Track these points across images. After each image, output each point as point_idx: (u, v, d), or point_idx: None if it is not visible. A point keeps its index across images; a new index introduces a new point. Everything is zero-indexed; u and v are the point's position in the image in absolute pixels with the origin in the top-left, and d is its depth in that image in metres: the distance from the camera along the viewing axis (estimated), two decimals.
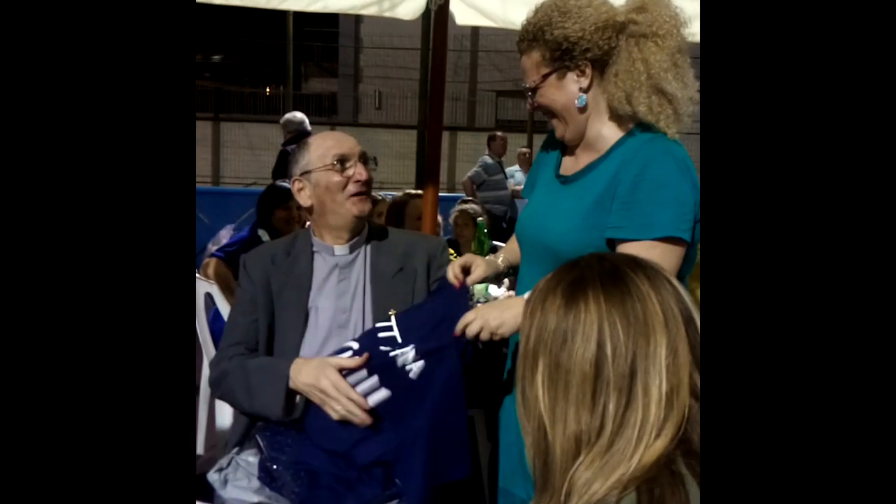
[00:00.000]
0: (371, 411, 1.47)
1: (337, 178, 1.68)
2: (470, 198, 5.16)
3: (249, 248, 3.07)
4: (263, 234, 3.19)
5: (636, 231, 1.36)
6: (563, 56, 1.42)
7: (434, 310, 1.54)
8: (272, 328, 1.69)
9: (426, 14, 3.02)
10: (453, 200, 4.78)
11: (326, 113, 16.17)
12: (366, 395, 1.48)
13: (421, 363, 1.46)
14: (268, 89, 19.41)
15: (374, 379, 1.49)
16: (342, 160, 1.68)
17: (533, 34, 1.45)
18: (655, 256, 1.33)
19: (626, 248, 1.37)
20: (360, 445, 1.46)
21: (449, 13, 2.65)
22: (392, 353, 1.50)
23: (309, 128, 5.50)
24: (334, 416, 1.49)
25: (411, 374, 1.46)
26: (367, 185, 1.70)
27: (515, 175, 7.64)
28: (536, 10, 1.47)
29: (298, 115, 5.67)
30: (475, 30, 11.34)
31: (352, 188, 1.68)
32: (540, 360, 0.87)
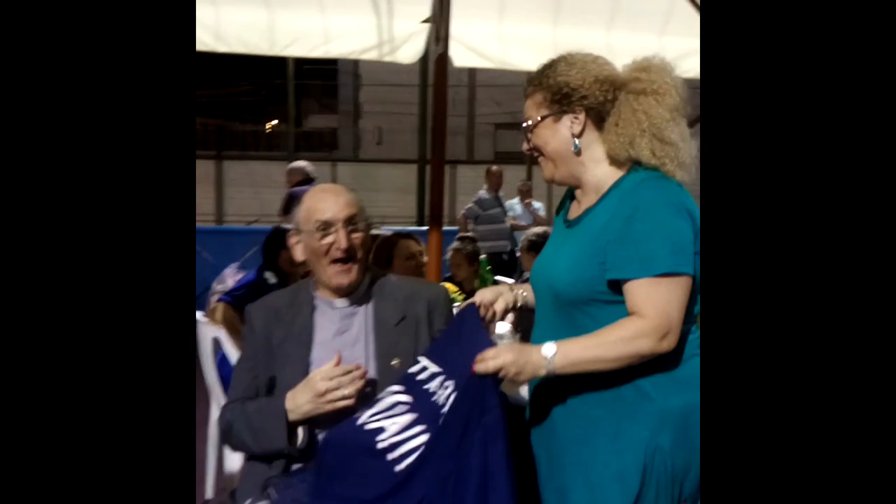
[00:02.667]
0: (409, 455, 1.48)
1: (318, 244, 1.65)
2: (467, 234, 5.16)
3: (256, 291, 3.11)
4: (270, 277, 3.22)
5: (637, 269, 1.40)
6: (561, 100, 1.52)
7: (458, 336, 1.54)
8: (273, 381, 1.70)
9: (425, 53, 3.10)
10: (453, 234, 4.79)
11: (327, 149, 16.29)
12: (409, 439, 1.48)
13: (453, 395, 1.47)
14: (268, 126, 19.56)
15: (419, 427, 1.49)
16: (325, 226, 1.65)
17: (538, 79, 1.56)
18: (662, 292, 1.39)
19: (632, 287, 1.41)
20: (400, 491, 1.44)
21: (448, 57, 2.71)
22: (434, 391, 1.50)
23: (312, 175, 5.78)
24: (346, 403, 1.55)
25: (445, 408, 1.47)
26: (350, 251, 1.65)
27: (515, 208, 7.65)
28: (549, 61, 1.58)
29: (304, 163, 6.00)
30: None
31: (333, 255, 1.65)
32: None
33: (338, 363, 1.58)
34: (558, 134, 1.53)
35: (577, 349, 1.41)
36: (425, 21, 2.97)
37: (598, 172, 1.54)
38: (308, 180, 5.68)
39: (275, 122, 19.20)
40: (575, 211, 1.60)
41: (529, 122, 1.56)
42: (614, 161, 1.52)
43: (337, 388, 1.55)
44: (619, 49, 3.15)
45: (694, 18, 3.10)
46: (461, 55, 3.00)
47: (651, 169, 1.49)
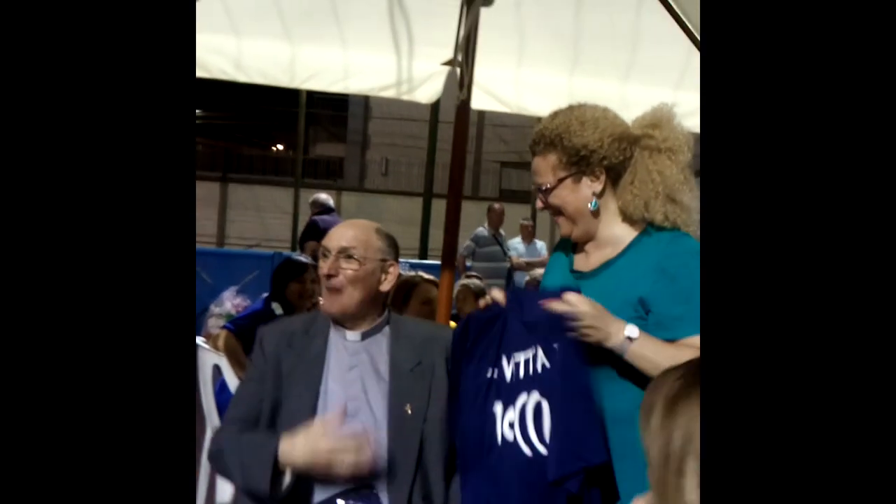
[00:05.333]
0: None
1: (319, 270, 1.72)
2: (473, 273, 5.22)
3: (261, 321, 3.09)
4: (277, 308, 3.21)
5: (690, 328, 1.40)
6: (579, 162, 1.50)
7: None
8: (277, 408, 1.68)
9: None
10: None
11: (333, 177, 16.36)
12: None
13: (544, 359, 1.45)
14: (274, 149, 19.66)
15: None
16: (323, 253, 1.70)
17: (551, 139, 1.52)
18: None
19: (685, 343, 1.40)
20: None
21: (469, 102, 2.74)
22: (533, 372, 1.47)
23: (332, 204, 6.49)
24: (347, 472, 1.50)
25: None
26: (332, 278, 1.66)
27: (518, 247, 7.65)
28: (554, 116, 1.56)
29: (323, 195, 6.69)
30: None
31: (324, 281, 1.69)
32: (689, 464, 0.85)
33: (343, 413, 1.55)
34: (578, 194, 1.52)
35: (655, 346, 1.40)
36: (445, 63, 3.01)
37: (616, 228, 1.54)
38: (327, 210, 6.17)
39: (280, 147, 19.31)
40: (583, 263, 1.59)
41: (548, 185, 1.53)
42: (628, 219, 1.53)
43: (341, 453, 1.49)
44: (634, 101, 3.19)
45: None
46: (478, 98, 3.03)
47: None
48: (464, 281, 4.31)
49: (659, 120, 1.54)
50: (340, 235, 1.72)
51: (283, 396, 1.67)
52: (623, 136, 1.51)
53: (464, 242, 7.69)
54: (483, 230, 7.35)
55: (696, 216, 1.51)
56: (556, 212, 1.56)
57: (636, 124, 1.55)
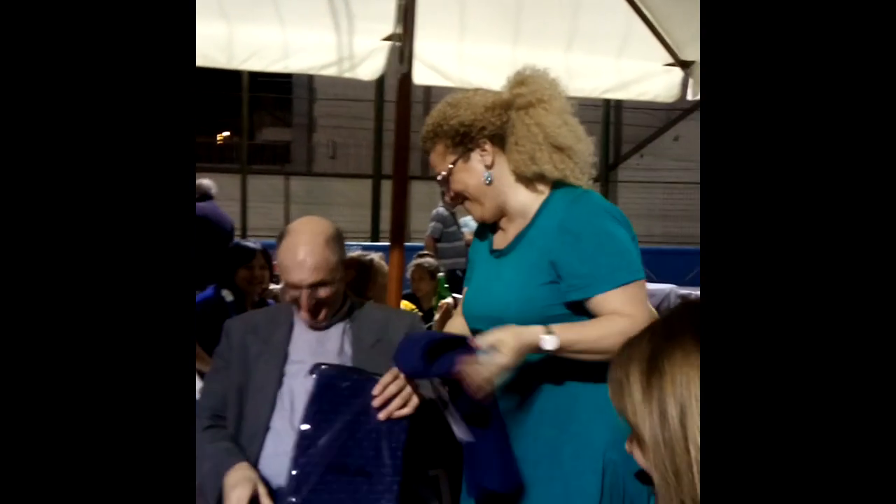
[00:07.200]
0: None
1: (290, 297, 1.69)
2: (427, 252, 5.22)
3: (212, 308, 3.07)
4: (227, 294, 3.16)
5: (600, 285, 1.44)
6: (463, 140, 1.54)
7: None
8: (245, 395, 1.71)
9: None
10: (409, 250, 4.79)
11: (280, 162, 16.11)
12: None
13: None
14: (219, 137, 19.23)
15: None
16: (293, 286, 1.67)
17: (433, 132, 1.58)
18: (634, 295, 1.43)
19: (603, 299, 1.43)
20: None
21: (411, 77, 2.72)
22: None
23: (212, 190, 5.52)
24: None
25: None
26: (313, 310, 1.67)
27: (471, 225, 7.67)
28: (431, 115, 1.61)
29: (205, 181, 5.74)
30: None
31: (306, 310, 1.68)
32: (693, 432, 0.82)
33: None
34: (473, 172, 1.56)
35: (573, 334, 1.42)
36: (386, 39, 2.98)
37: (520, 197, 1.57)
38: (206, 196, 5.46)
39: (226, 133, 18.90)
40: (502, 240, 1.61)
41: (444, 174, 1.57)
42: (523, 180, 1.55)
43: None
44: (578, 70, 3.21)
45: (650, 42, 3.18)
46: (422, 74, 3.01)
47: (565, 185, 1.54)
48: (417, 261, 4.31)
49: (523, 77, 1.56)
50: (300, 268, 1.64)
51: (249, 378, 1.71)
52: (495, 103, 1.54)
53: (416, 220, 7.67)
54: (443, 210, 7.31)
55: (588, 162, 1.54)
56: (463, 197, 1.59)
57: (505, 89, 1.57)
